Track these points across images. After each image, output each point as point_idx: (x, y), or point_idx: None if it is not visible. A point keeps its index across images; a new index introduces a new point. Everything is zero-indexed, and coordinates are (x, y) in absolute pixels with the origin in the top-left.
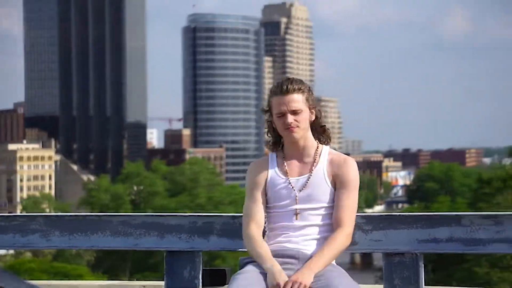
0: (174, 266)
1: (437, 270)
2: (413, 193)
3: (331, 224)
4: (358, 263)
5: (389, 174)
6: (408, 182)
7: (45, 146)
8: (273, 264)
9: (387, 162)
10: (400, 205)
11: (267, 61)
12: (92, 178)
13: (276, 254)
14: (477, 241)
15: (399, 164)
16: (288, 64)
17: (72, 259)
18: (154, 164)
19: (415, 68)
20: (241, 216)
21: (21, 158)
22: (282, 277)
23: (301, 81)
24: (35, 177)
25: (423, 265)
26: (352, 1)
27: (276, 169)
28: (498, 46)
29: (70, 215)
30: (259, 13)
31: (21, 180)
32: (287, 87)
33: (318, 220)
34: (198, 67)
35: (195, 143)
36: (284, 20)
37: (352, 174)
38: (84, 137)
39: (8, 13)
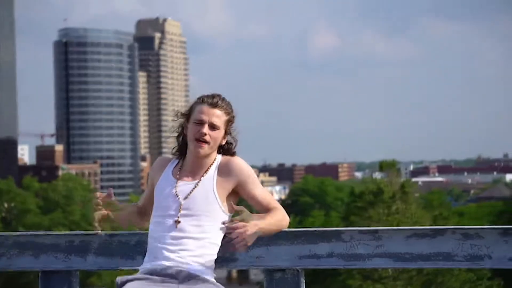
0: (50, 286)
1: (314, 283)
2: (289, 208)
3: (210, 239)
4: (235, 277)
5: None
6: (283, 197)
7: None
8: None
9: (262, 177)
10: None
11: (142, 76)
12: None
13: (155, 273)
14: (357, 256)
15: (274, 179)
16: (163, 80)
17: None
18: (25, 181)
19: (286, 84)
20: (118, 234)
21: None
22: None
23: (231, 106)
24: None
25: (304, 281)
26: (225, 16)
27: (171, 172)
28: (365, 62)
29: None
30: (133, 28)
31: None
32: (217, 101)
33: (197, 232)
34: (70, 82)
35: (69, 159)
36: (158, 35)
37: (244, 169)
38: None
39: None
